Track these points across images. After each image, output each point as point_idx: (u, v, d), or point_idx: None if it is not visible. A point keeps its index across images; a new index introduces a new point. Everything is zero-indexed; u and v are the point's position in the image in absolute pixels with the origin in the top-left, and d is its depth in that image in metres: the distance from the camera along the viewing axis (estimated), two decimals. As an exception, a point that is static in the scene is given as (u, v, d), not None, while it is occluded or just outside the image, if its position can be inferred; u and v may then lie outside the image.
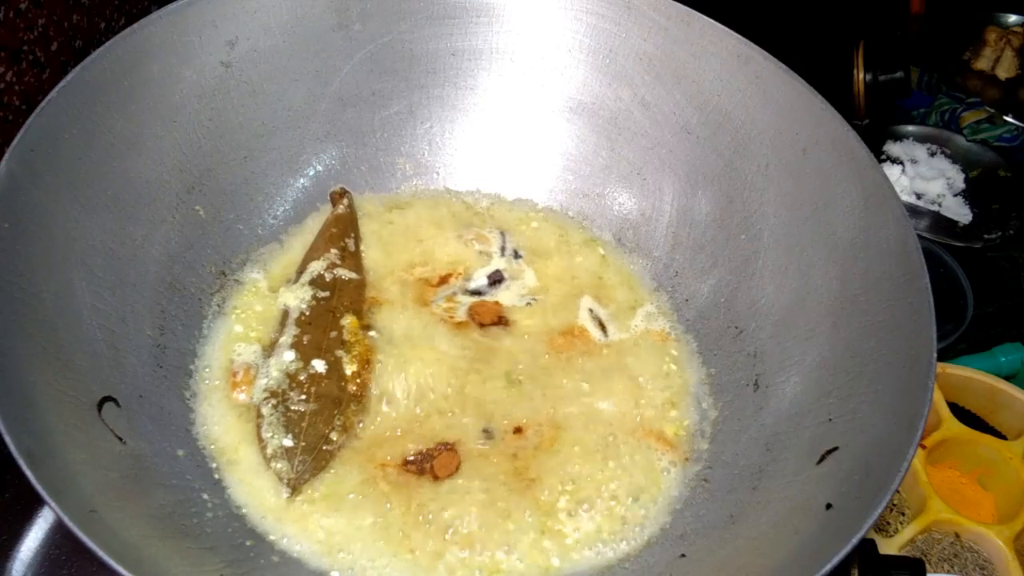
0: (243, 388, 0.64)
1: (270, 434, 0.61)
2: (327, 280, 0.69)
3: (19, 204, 0.54)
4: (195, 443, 0.61)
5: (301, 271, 0.69)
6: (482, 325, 0.69)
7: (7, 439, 0.45)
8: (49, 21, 0.73)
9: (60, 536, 0.65)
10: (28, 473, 0.44)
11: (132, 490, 0.53)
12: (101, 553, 0.43)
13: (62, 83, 0.58)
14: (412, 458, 0.62)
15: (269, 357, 0.65)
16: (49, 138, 0.57)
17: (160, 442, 0.58)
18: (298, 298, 0.67)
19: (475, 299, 0.71)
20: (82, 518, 0.44)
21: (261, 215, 0.73)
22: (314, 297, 0.67)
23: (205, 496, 0.57)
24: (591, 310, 0.70)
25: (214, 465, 0.60)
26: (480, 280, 0.72)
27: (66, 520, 0.44)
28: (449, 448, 0.62)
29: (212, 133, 0.68)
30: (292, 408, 0.62)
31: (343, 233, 0.72)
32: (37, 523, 0.65)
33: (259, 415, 0.62)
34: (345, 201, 0.74)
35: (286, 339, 0.65)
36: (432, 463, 0.61)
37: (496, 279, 0.69)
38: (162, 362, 0.62)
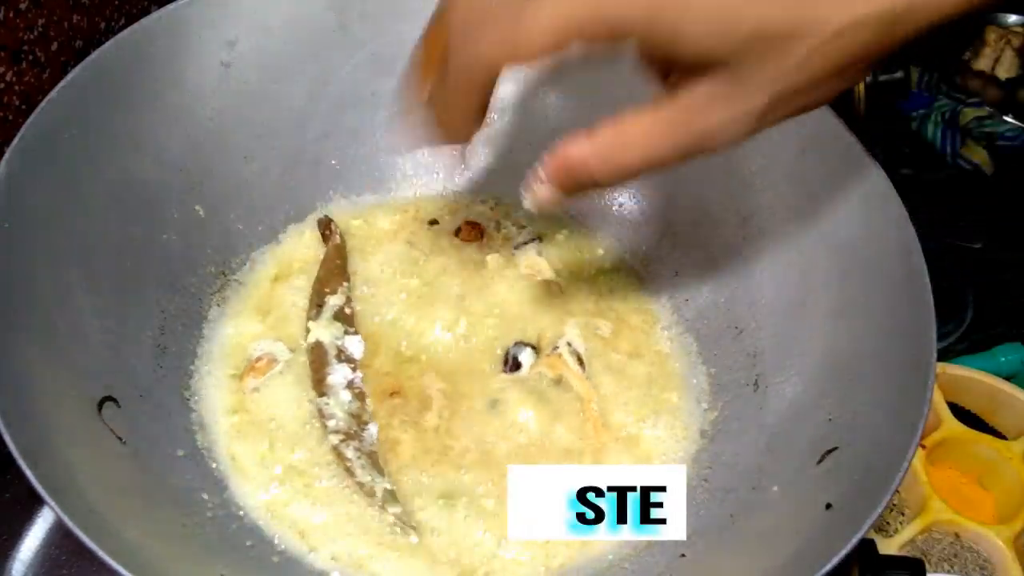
0: (257, 376, 0.64)
1: (368, 478, 0.59)
2: (347, 314, 0.68)
3: (19, 204, 0.54)
4: (195, 443, 0.61)
5: (320, 304, 0.68)
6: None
7: (7, 439, 0.45)
8: (49, 21, 0.72)
9: (60, 536, 0.65)
10: (28, 473, 0.44)
11: (132, 490, 0.53)
12: (101, 553, 0.43)
13: (62, 83, 0.58)
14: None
15: (324, 395, 0.63)
16: (49, 138, 0.57)
17: (160, 442, 0.58)
18: (331, 334, 0.66)
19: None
20: (82, 518, 0.44)
21: (261, 215, 0.72)
22: (345, 333, 0.67)
23: (205, 496, 0.57)
24: (569, 343, 0.68)
25: (214, 465, 0.60)
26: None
27: (66, 520, 0.44)
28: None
29: (212, 133, 0.68)
30: (368, 450, 0.61)
31: (345, 263, 0.71)
32: (37, 523, 0.65)
33: (344, 458, 0.60)
34: (334, 227, 0.73)
35: (336, 378, 0.64)
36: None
37: (515, 365, 0.67)
38: (162, 362, 0.62)
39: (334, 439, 0.61)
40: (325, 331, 0.66)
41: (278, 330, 0.68)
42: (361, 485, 0.59)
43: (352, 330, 0.67)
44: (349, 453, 0.60)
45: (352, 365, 0.65)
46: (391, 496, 0.59)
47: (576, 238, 0.77)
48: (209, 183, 0.68)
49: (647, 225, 0.75)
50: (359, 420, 0.62)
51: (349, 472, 0.60)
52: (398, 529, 0.58)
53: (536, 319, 0.70)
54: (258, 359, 0.65)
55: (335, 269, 0.71)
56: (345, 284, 0.70)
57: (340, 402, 0.63)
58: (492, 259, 0.72)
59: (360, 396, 0.64)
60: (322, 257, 0.72)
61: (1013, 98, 1.14)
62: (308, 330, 0.67)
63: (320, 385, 0.64)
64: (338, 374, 0.64)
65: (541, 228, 0.76)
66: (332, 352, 0.65)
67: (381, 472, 0.60)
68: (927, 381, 0.52)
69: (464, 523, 0.59)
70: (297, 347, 0.67)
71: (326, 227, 0.73)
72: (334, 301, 0.68)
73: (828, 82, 0.41)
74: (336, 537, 0.58)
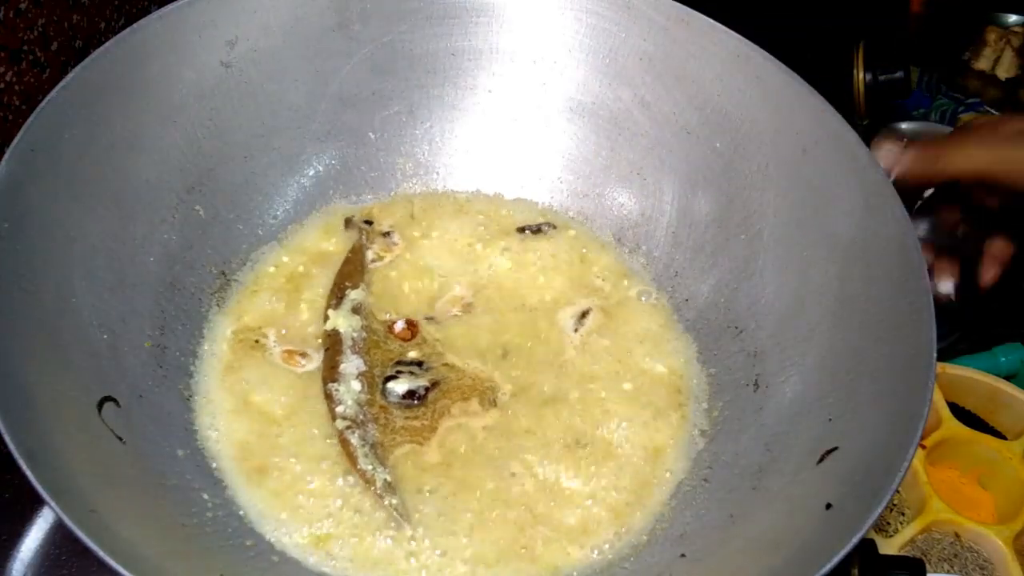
0: (296, 363, 0.66)
1: (370, 466, 0.60)
2: (364, 311, 0.69)
3: (19, 204, 0.54)
4: (195, 443, 0.61)
5: (340, 296, 0.69)
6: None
7: (7, 439, 0.45)
8: (49, 21, 0.73)
9: (60, 536, 0.65)
10: (28, 473, 0.44)
11: (132, 490, 0.53)
12: (101, 553, 0.43)
13: (62, 83, 0.58)
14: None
15: (334, 382, 0.64)
16: (49, 138, 0.57)
17: (160, 442, 0.58)
18: (348, 324, 0.67)
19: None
20: (82, 518, 0.44)
21: (261, 215, 0.73)
22: (363, 327, 0.67)
23: (205, 496, 0.57)
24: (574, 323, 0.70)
25: (214, 465, 0.60)
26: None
27: (66, 520, 0.43)
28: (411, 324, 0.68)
29: (212, 133, 0.68)
30: (372, 440, 0.62)
31: (366, 262, 0.72)
32: (37, 523, 0.65)
33: (349, 444, 0.61)
34: (358, 225, 0.74)
35: (349, 367, 0.65)
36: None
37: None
38: (162, 362, 0.62)
39: (341, 424, 0.62)
40: (344, 321, 0.67)
41: (279, 329, 0.68)
42: (362, 473, 0.60)
43: (365, 324, 0.68)
44: (354, 440, 0.61)
45: (365, 359, 0.66)
46: (389, 487, 0.59)
47: (577, 237, 0.77)
48: (209, 183, 0.68)
49: (647, 225, 0.75)
50: (368, 409, 0.63)
51: (352, 459, 0.60)
52: (394, 522, 0.58)
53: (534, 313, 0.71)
54: (303, 353, 0.66)
55: (357, 266, 0.71)
56: (364, 282, 0.70)
57: (351, 390, 0.64)
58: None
59: (370, 386, 0.64)
60: (325, 254, 0.72)
61: (1013, 98, 1.15)
62: (327, 317, 0.68)
63: (332, 372, 0.65)
64: (351, 364, 0.65)
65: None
66: (348, 343, 0.66)
67: (383, 463, 0.60)
68: (927, 381, 0.52)
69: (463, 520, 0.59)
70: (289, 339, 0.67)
71: (350, 225, 0.74)
72: (354, 295, 0.69)
73: None
74: (335, 535, 0.58)
